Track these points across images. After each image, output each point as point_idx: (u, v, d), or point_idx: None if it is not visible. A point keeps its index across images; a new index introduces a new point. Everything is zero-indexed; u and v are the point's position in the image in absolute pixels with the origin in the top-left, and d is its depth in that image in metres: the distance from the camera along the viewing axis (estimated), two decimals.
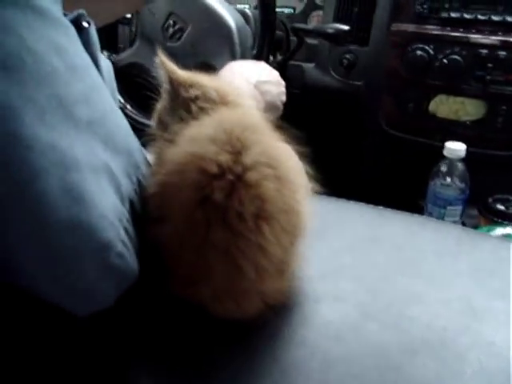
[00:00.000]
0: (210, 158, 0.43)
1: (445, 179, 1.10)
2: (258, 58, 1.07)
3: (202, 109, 0.53)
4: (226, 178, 0.42)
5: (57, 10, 0.41)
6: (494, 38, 1.10)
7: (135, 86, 1.07)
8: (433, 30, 1.15)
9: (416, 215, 0.73)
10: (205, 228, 0.42)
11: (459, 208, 1.10)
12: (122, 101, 1.18)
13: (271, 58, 1.19)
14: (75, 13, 0.46)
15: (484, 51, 1.09)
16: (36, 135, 0.35)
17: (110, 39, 1.24)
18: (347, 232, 0.66)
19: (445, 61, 1.12)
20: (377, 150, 1.30)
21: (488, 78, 1.10)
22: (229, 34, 1.09)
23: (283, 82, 0.89)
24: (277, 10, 1.41)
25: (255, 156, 0.43)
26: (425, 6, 1.15)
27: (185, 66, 1.15)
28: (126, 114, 1.17)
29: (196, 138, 0.46)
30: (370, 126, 1.27)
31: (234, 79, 0.76)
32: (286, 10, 1.45)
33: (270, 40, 1.08)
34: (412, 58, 1.15)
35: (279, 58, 1.29)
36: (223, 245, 0.42)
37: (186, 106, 0.54)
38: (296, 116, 1.35)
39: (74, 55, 0.41)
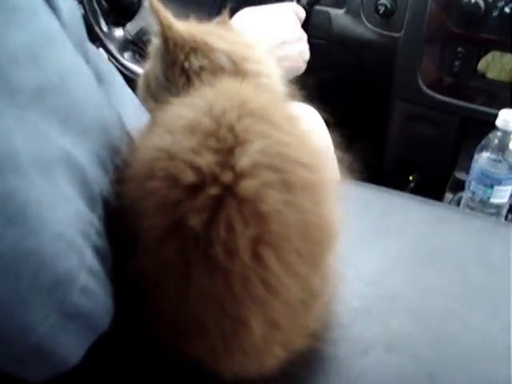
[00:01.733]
0: (184, 158, 0.30)
1: (495, 154, 0.93)
2: None
3: (207, 83, 0.39)
4: (207, 191, 0.29)
5: None
6: None
7: None
8: None
9: (475, 214, 0.58)
10: (183, 268, 0.30)
11: (509, 188, 0.95)
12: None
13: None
14: None
15: None
16: None
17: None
18: (393, 239, 0.51)
19: (506, 9, 0.93)
20: (411, 113, 1.13)
21: None
22: None
23: (305, 36, 0.73)
24: None
25: (254, 154, 0.30)
26: None
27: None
28: None
29: (172, 124, 0.33)
30: (405, 85, 1.10)
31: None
32: None
33: None
34: (464, 5, 0.96)
35: (303, 1, 1.10)
36: (211, 291, 0.30)
37: (185, 77, 0.39)
38: (320, 70, 1.19)
39: None
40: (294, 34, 0.72)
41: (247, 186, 0.29)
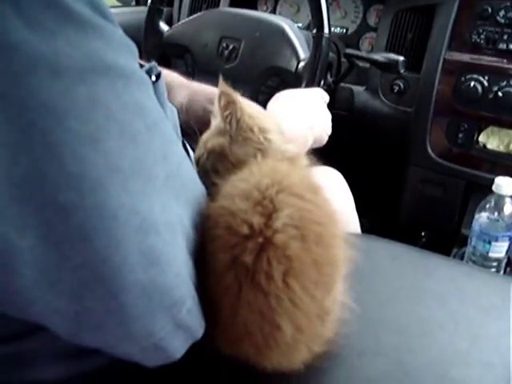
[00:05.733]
0: (241, 216, 0.44)
1: (492, 214, 1.08)
2: (310, 80, 1.07)
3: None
4: (255, 239, 0.43)
5: (138, 68, 0.42)
6: None
7: None
8: (488, 61, 1.13)
9: (463, 264, 0.73)
10: (237, 289, 0.43)
11: (505, 244, 1.08)
12: None
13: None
14: (148, 65, 0.48)
15: None
16: (120, 204, 0.36)
17: None
18: (393, 279, 0.67)
19: (499, 93, 1.10)
20: (422, 177, 1.29)
21: None
22: (281, 32, 1.11)
23: (329, 115, 0.89)
24: None
25: (284, 219, 0.44)
26: (482, 36, 1.13)
27: (250, 80, 1.15)
28: None
29: (232, 192, 0.47)
30: (417, 153, 1.26)
31: (285, 117, 0.76)
32: (339, 30, 1.45)
33: (320, 73, 1.08)
34: (465, 88, 1.14)
35: (329, 79, 1.29)
36: (256, 305, 0.43)
37: (255, 151, 0.55)
38: (343, 138, 1.36)
39: (154, 112, 0.42)
40: (322, 110, 0.86)
41: (279, 239, 0.43)
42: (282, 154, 0.57)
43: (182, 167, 0.46)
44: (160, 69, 0.50)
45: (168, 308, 0.40)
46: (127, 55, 0.40)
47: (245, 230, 0.43)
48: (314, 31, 1.03)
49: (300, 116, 0.80)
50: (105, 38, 0.37)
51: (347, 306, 0.53)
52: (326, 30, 1.02)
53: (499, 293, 0.66)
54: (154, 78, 0.48)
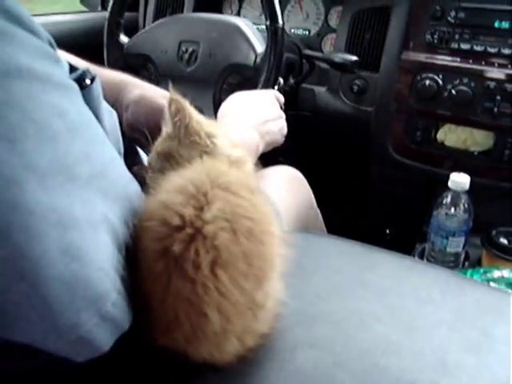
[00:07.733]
0: (174, 209, 0.46)
1: (449, 210, 1.10)
2: (269, 73, 1.09)
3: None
4: (185, 230, 0.45)
5: (58, 72, 0.44)
6: (503, 70, 1.09)
7: None
8: (442, 60, 1.15)
9: (407, 258, 0.74)
10: (166, 278, 0.45)
11: (462, 239, 1.10)
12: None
13: (281, 80, 1.19)
14: (80, 71, 0.50)
15: (493, 83, 1.09)
16: (37, 200, 0.37)
17: None
18: (335, 275, 0.68)
19: (453, 91, 1.12)
20: (384, 175, 1.31)
21: (496, 110, 1.10)
22: (236, 29, 1.14)
23: (283, 115, 0.90)
24: (291, 31, 1.45)
25: (215, 211, 0.46)
26: (435, 36, 1.15)
27: (211, 80, 1.16)
28: None
29: (169, 187, 0.49)
30: (378, 151, 1.28)
31: (235, 126, 0.77)
32: (301, 32, 1.47)
33: (278, 64, 1.09)
34: (421, 86, 1.16)
35: (291, 80, 1.31)
36: (184, 293, 0.45)
37: (199, 153, 0.57)
38: (306, 138, 1.38)
39: (75, 114, 0.43)
40: (275, 113, 0.87)
41: (209, 229, 0.45)
42: (228, 158, 0.58)
43: (111, 167, 0.47)
44: (94, 73, 0.51)
45: (92, 301, 0.41)
46: (44, 61, 0.41)
47: (176, 221, 0.45)
48: (268, 23, 1.05)
49: (250, 123, 0.81)
50: (18, 44, 0.39)
51: (284, 302, 0.55)
52: (280, 21, 1.04)
53: (438, 286, 0.68)
54: (88, 81, 0.50)
